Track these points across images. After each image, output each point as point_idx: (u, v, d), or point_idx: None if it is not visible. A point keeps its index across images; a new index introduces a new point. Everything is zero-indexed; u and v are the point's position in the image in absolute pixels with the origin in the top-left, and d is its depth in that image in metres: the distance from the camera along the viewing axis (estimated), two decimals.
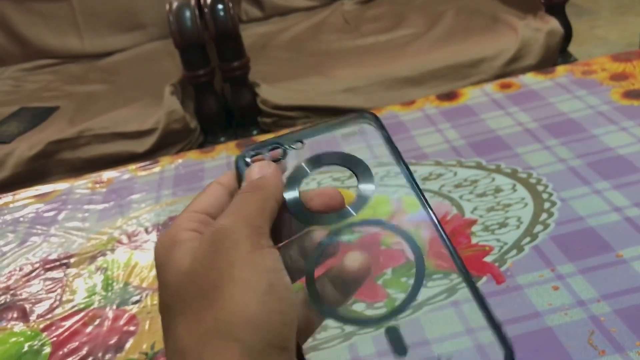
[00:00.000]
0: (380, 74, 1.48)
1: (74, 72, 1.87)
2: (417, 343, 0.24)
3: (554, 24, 1.51)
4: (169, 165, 0.77)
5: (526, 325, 0.45)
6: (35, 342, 0.53)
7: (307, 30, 1.87)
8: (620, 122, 0.66)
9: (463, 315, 0.46)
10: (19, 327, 0.55)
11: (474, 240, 0.54)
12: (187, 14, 1.43)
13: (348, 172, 0.29)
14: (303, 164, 0.30)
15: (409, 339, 0.24)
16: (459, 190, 0.61)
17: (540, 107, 0.72)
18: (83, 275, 0.60)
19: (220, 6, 1.44)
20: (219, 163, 0.75)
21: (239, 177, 0.30)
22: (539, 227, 0.54)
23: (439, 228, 0.27)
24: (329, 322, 0.27)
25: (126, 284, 0.58)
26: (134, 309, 0.54)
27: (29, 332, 0.54)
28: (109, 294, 0.57)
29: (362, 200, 0.28)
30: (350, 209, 0.28)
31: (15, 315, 0.57)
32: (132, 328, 0.52)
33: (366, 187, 0.28)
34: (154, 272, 0.58)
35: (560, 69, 0.80)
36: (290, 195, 0.29)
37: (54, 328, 0.54)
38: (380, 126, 0.31)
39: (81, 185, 0.76)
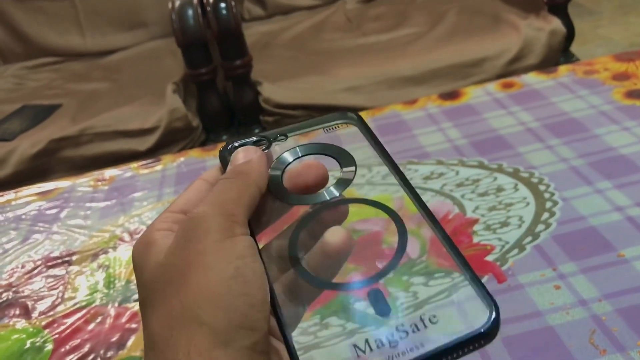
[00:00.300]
0: (383, 73, 1.48)
1: (77, 70, 1.87)
2: (401, 305, 0.24)
3: (556, 23, 1.51)
4: (171, 163, 0.77)
5: (527, 324, 0.45)
6: (38, 339, 0.53)
7: (310, 29, 1.87)
8: (622, 121, 0.66)
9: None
10: (21, 324, 0.55)
11: (475, 240, 0.54)
12: (190, 12, 1.43)
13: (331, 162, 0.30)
14: (285, 154, 0.30)
15: (392, 301, 0.25)
16: (460, 189, 0.61)
17: (543, 106, 0.72)
18: (85, 273, 0.60)
19: (222, 5, 1.44)
20: None
21: (224, 169, 0.30)
22: (540, 227, 0.54)
23: (425, 214, 0.27)
24: (331, 321, 0.27)
25: (128, 281, 0.58)
26: (135, 306, 0.54)
27: (31, 329, 0.54)
28: (111, 291, 0.57)
29: (344, 182, 0.29)
30: (333, 189, 0.28)
31: (17, 312, 0.57)
32: (134, 325, 0.52)
33: (348, 170, 0.29)
34: None
35: (563, 69, 0.80)
36: (274, 179, 0.29)
37: (56, 325, 0.54)
38: (364, 126, 0.31)
39: (83, 183, 0.77)
